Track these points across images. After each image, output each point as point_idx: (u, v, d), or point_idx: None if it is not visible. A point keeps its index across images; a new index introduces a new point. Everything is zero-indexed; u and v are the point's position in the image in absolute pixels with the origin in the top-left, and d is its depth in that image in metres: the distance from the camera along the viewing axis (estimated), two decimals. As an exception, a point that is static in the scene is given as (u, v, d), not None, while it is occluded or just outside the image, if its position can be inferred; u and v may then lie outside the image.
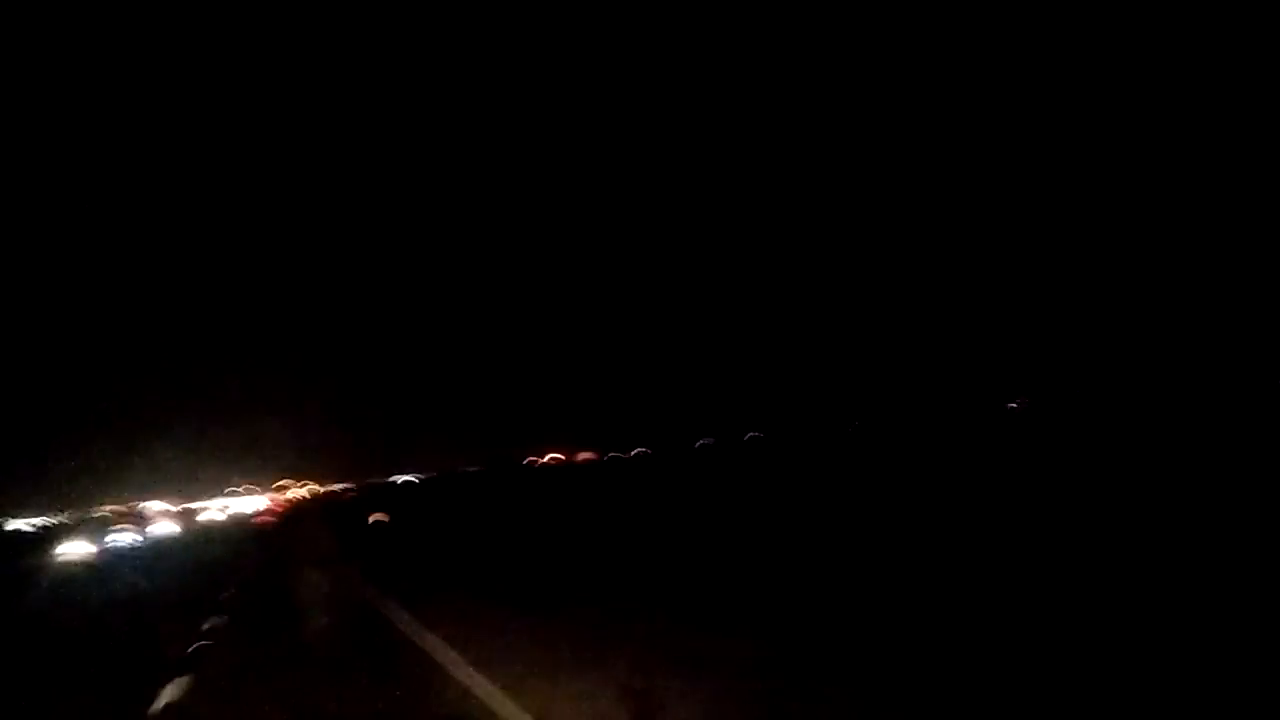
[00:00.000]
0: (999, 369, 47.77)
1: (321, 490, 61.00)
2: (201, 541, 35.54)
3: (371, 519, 27.18)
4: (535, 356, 63.07)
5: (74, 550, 29.18)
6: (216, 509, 55.87)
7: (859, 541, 12.55)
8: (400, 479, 56.20)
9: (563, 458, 56.28)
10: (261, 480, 61.84)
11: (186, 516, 50.85)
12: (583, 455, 55.92)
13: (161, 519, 47.09)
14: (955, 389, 47.60)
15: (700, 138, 64.45)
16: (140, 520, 45.14)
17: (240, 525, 45.38)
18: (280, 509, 52.80)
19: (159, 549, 34.15)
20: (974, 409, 43.20)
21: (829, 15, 56.93)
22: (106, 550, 32.02)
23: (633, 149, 63.53)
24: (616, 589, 11.13)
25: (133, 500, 56.09)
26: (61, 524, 43.20)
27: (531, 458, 56.18)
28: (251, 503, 57.40)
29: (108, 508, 55.76)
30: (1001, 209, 53.74)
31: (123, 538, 36.07)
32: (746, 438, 49.43)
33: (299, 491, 61.00)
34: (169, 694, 8.26)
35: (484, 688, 6.92)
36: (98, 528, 38.50)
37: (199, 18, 54.48)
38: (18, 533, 43.06)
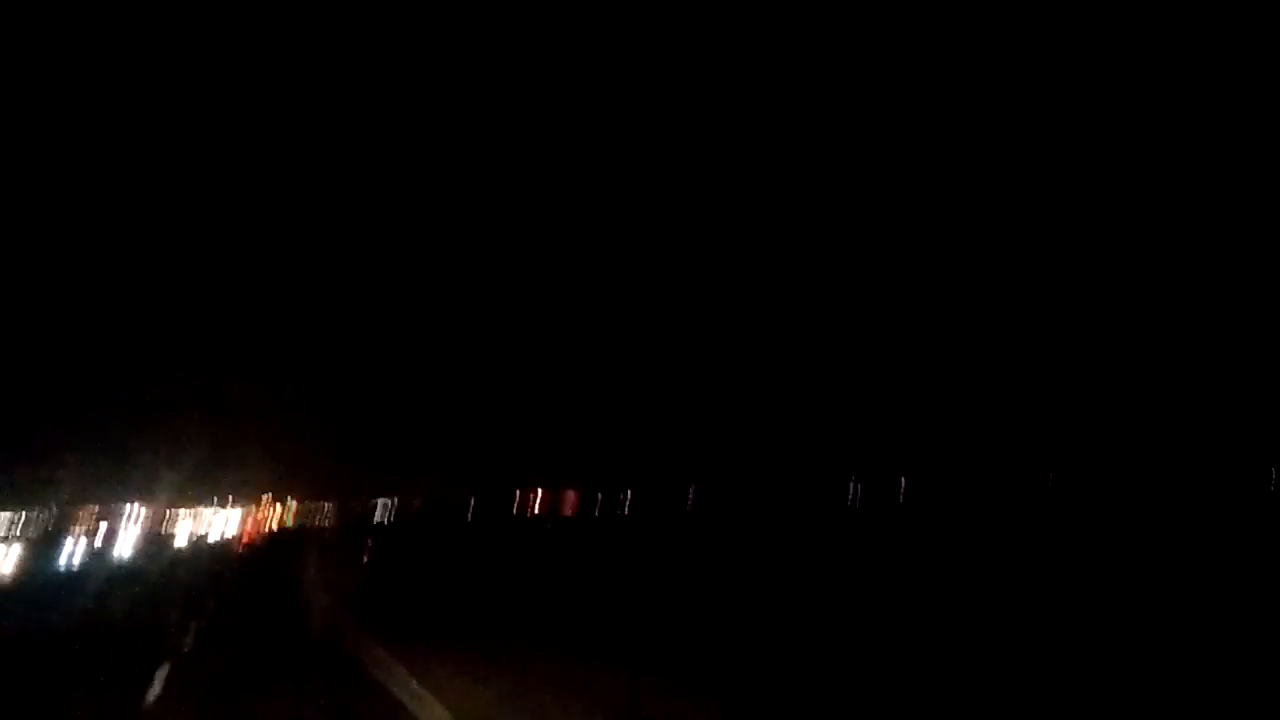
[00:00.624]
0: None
1: (300, 508, 60.80)
2: (184, 553, 35.54)
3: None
4: (528, 390, 63.08)
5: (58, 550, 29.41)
6: (199, 521, 55.72)
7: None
8: (381, 501, 56.02)
9: (543, 494, 56.08)
10: (247, 495, 61.65)
11: (168, 526, 50.76)
12: (567, 492, 55.85)
13: (144, 527, 47.03)
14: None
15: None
16: (122, 525, 45.01)
17: (222, 542, 45.30)
18: (261, 530, 52.68)
19: (142, 554, 34.15)
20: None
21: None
22: (85, 552, 32.02)
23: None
24: (592, 634, 11.40)
25: (114, 504, 55.99)
26: (41, 521, 43.06)
27: (517, 490, 56.06)
28: (234, 518, 57.24)
29: (89, 509, 55.67)
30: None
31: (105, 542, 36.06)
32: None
33: (283, 509, 60.83)
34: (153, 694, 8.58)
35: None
36: (77, 529, 38.50)
37: (199, 18, 54.70)
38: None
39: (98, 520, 45.23)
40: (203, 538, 51.25)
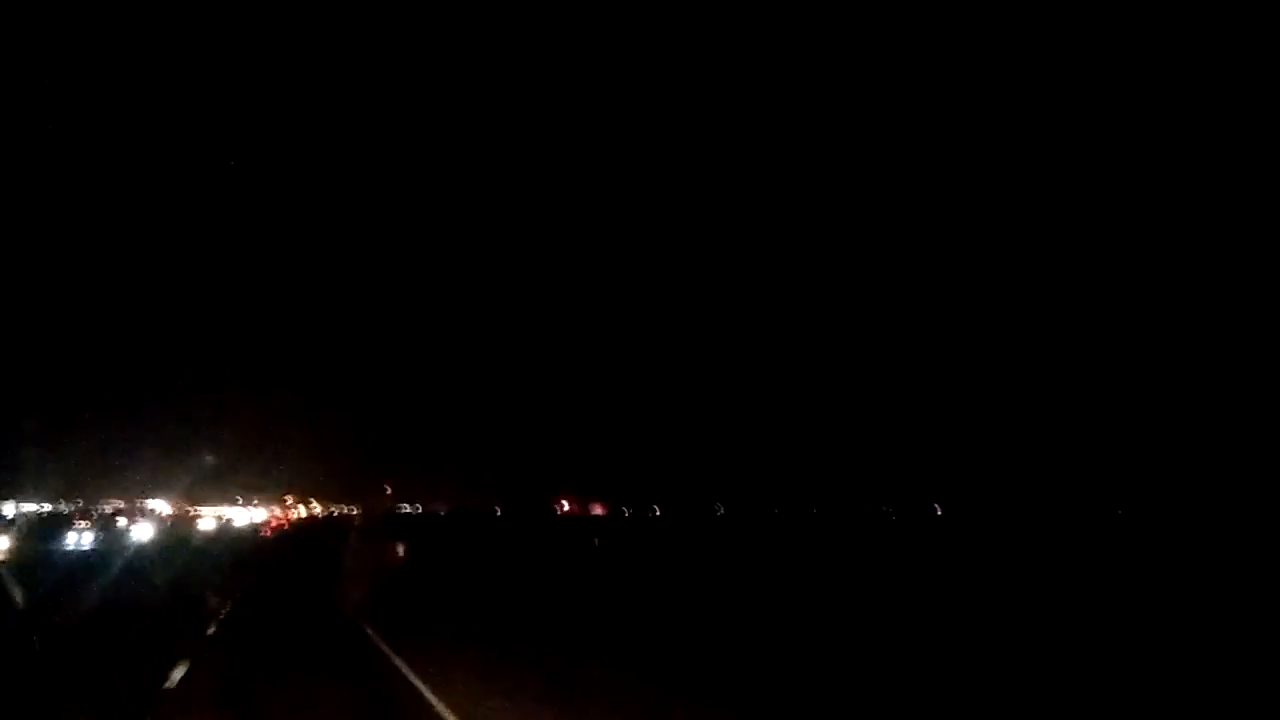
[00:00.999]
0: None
1: (326, 511, 60.80)
2: (210, 542, 35.41)
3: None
4: (554, 400, 62.88)
5: (81, 537, 29.25)
6: (220, 515, 55.74)
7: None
8: (406, 508, 55.90)
9: (572, 507, 55.92)
10: (265, 495, 61.73)
11: (190, 519, 50.80)
12: (595, 508, 55.60)
13: (165, 519, 47.18)
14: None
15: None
16: (144, 517, 45.03)
17: (249, 533, 45.22)
18: (287, 522, 52.59)
19: (166, 543, 33.93)
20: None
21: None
22: (113, 540, 31.81)
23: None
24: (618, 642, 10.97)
25: (136, 499, 56.28)
26: (70, 511, 43.34)
27: (546, 501, 55.89)
28: (257, 514, 57.24)
29: (113, 501, 55.98)
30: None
31: (129, 531, 36.06)
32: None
33: (306, 509, 60.85)
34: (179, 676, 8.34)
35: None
36: (104, 519, 38.64)
37: (199, 20, 55.49)
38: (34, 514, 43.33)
39: (124, 513, 45.52)
40: (229, 522, 51.33)
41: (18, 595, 13.87)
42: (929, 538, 33.55)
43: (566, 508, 54.50)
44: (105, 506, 49.87)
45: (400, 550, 17.05)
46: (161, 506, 53.41)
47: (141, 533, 35.13)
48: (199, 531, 41.82)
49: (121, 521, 38.54)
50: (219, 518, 52.09)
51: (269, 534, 43.09)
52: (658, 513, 51.24)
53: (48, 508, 47.90)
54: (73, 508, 46.74)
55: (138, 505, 51.70)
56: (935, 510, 44.19)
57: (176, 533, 38.98)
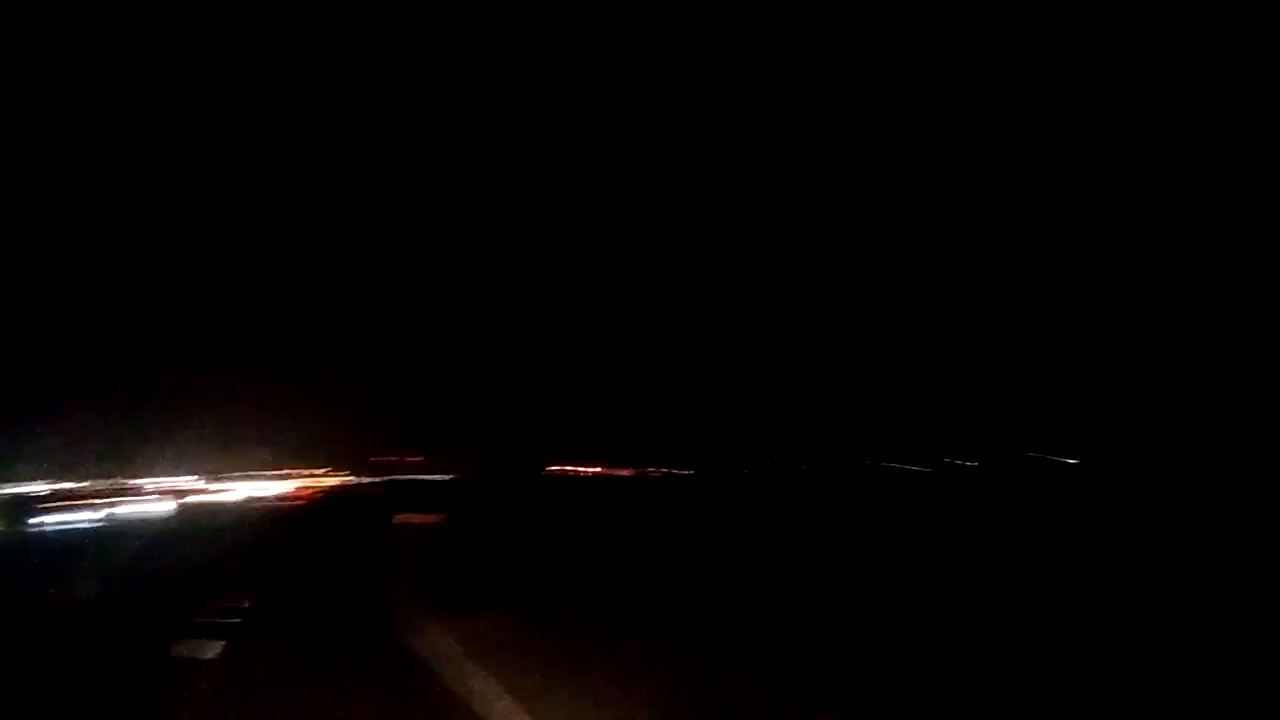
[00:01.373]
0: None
1: (346, 480, 61.29)
2: (237, 516, 35.87)
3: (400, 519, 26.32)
4: (559, 367, 62.75)
5: (90, 515, 29.59)
6: (239, 490, 56.14)
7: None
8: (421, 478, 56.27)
9: (573, 470, 56.35)
10: (274, 469, 61.93)
11: (205, 495, 51.12)
12: (594, 469, 55.99)
13: (181, 496, 47.39)
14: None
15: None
16: (158, 494, 45.40)
17: (269, 507, 45.68)
18: (308, 494, 53.12)
19: (187, 520, 34.45)
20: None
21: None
22: (124, 518, 32.26)
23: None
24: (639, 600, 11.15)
25: (145, 476, 56.33)
26: (73, 490, 43.22)
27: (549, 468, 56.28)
28: (276, 487, 57.64)
29: (123, 479, 56.04)
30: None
31: (140, 508, 36.37)
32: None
33: (325, 480, 61.34)
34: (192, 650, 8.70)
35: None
36: (111, 497, 38.70)
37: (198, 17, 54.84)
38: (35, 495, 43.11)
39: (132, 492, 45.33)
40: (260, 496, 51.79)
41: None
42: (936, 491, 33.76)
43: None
44: (117, 485, 49.01)
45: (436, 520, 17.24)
46: (183, 483, 53.35)
47: (155, 512, 34.54)
48: (224, 509, 42.05)
49: (127, 502, 37.92)
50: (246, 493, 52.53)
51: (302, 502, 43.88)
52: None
53: (39, 487, 46.90)
54: (73, 487, 45.82)
55: (152, 484, 51.16)
56: (947, 463, 44.16)
57: (197, 512, 39.04)
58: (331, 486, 58.14)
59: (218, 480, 56.23)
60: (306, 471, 61.37)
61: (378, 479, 57.96)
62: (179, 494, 46.70)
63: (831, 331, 53.68)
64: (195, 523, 31.46)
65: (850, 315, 53.70)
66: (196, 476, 55.53)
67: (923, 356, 50.76)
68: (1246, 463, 23.24)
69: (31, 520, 28.97)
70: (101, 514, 30.92)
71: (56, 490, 45.27)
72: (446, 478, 56.96)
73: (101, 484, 48.02)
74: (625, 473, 55.79)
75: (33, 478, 48.57)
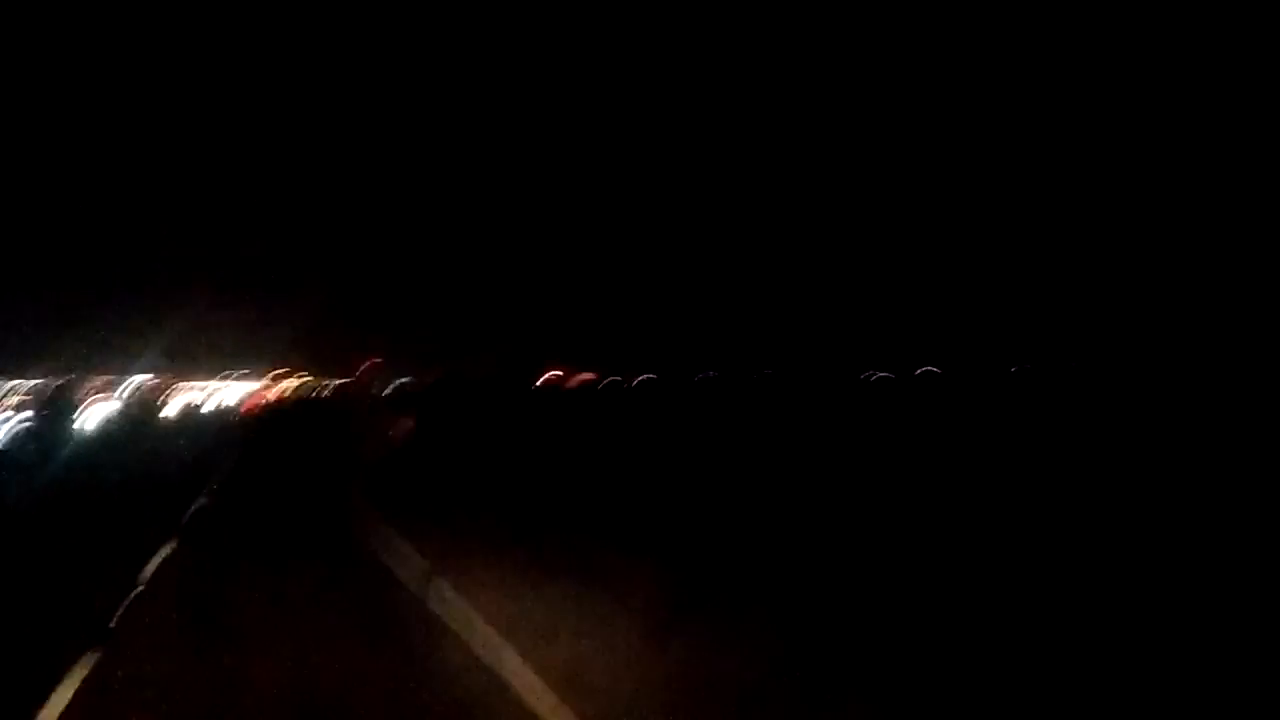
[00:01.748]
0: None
1: (313, 383, 60.32)
2: (189, 425, 35.08)
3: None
4: (539, 272, 61.65)
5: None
6: (207, 392, 55.16)
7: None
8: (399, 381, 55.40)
9: (561, 375, 55.75)
10: (257, 367, 61.00)
11: (176, 395, 50.06)
12: (583, 376, 55.39)
13: (152, 394, 46.37)
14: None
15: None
16: (130, 393, 44.31)
17: (229, 414, 44.89)
18: (270, 402, 52.13)
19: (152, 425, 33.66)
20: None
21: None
22: (92, 419, 31.38)
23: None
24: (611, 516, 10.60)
25: (123, 372, 55.17)
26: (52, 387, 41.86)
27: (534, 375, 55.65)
28: (243, 390, 56.70)
29: (99, 377, 54.91)
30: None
31: (109, 408, 35.49)
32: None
33: (293, 383, 60.31)
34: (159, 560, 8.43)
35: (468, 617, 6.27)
36: (87, 395, 37.55)
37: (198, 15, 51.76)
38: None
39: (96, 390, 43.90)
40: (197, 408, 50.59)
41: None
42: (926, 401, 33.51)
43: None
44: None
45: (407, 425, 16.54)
46: (132, 381, 51.49)
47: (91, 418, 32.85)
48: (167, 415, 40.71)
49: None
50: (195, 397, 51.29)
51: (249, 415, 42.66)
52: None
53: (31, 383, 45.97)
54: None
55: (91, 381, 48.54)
56: (933, 372, 44.11)
57: (140, 416, 37.56)
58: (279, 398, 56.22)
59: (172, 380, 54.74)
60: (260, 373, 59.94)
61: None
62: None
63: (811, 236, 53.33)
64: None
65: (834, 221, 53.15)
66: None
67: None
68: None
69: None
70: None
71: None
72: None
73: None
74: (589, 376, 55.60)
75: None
